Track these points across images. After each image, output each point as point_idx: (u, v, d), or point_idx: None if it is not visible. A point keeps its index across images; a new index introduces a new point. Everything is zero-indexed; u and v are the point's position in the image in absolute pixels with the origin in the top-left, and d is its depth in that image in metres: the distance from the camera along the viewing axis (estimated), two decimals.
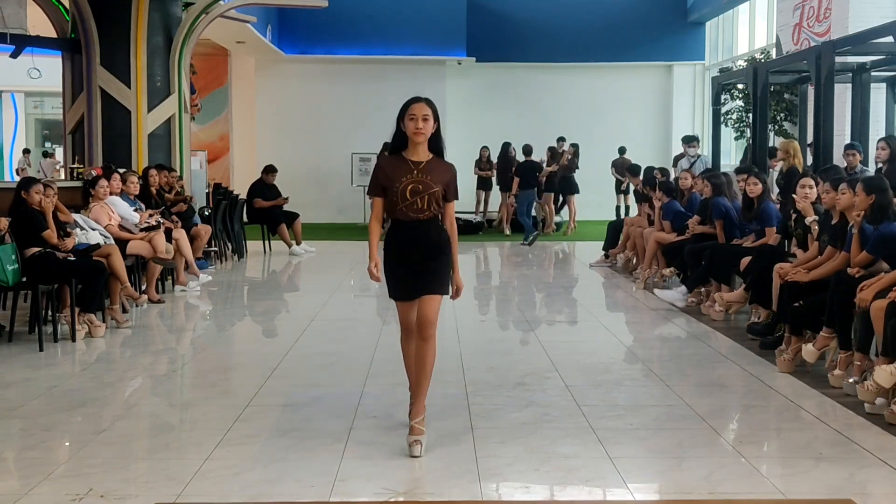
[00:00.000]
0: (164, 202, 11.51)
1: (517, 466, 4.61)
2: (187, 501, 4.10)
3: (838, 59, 10.39)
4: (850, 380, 5.89)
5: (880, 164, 9.04)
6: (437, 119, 4.91)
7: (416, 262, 4.90)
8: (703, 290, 9.29)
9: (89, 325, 7.80)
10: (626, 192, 20.11)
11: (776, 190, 10.83)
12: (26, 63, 15.04)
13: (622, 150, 19.89)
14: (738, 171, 10.43)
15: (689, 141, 15.53)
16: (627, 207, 20.08)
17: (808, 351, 6.43)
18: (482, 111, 21.57)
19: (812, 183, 7.75)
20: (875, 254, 6.30)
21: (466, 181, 17.67)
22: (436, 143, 4.94)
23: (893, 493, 4.31)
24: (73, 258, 7.95)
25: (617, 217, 19.84)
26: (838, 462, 4.67)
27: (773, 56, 15.85)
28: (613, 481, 4.44)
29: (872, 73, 11.14)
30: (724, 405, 5.89)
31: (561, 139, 19.25)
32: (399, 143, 4.95)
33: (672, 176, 12.78)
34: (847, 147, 9.83)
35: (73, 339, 7.64)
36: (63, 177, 14.74)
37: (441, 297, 4.96)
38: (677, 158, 16.48)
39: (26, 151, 24.07)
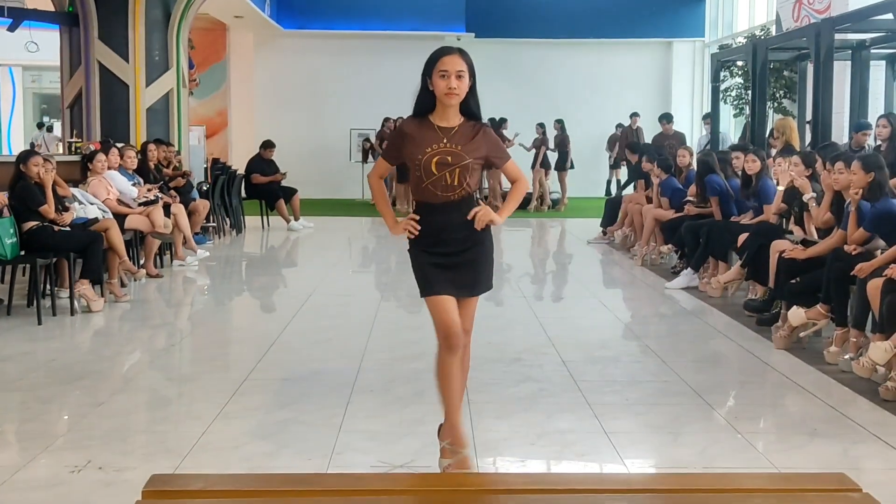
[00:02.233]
0: (163, 177, 11.50)
1: (513, 441, 4.64)
2: (185, 473, 4.12)
3: (838, 36, 10.37)
4: (846, 356, 5.92)
5: (880, 142, 9.02)
6: (472, 75, 3.96)
7: (452, 254, 4.00)
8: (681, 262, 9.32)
9: (87, 300, 7.79)
10: (616, 167, 20.28)
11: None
12: (24, 36, 14.97)
13: (619, 126, 20.08)
14: (733, 148, 10.43)
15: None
16: (619, 182, 20.21)
17: (796, 314, 6.43)
18: (481, 87, 20.93)
19: (785, 159, 7.81)
20: (872, 231, 6.31)
21: None
22: (467, 105, 3.99)
23: (887, 467, 4.34)
24: (68, 229, 7.93)
25: (608, 193, 19.99)
26: (833, 437, 4.70)
27: (773, 33, 15.79)
28: (609, 456, 4.47)
29: (872, 51, 11.11)
30: (720, 381, 5.92)
31: (634, 115, 19.28)
32: (424, 104, 4.00)
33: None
34: (859, 126, 9.76)
35: (72, 313, 7.66)
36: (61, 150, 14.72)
37: (477, 299, 4.13)
38: (656, 138, 16.45)
39: (40, 126, 23.87)
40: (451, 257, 4.01)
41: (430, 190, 3.95)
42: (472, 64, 3.96)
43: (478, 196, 4.14)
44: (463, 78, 3.90)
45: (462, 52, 3.96)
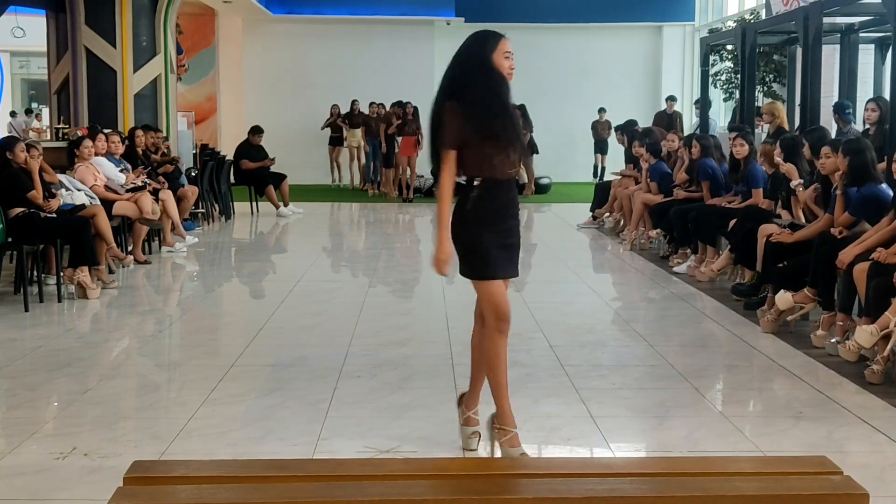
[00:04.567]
0: (151, 163, 11.45)
1: None
2: (169, 459, 4.12)
3: (827, 19, 10.36)
4: (833, 340, 5.94)
5: (868, 126, 9.02)
6: None
7: (512, 232, 4.10)
8: (688, 251, 9.32)
9: (85, 287, 7.73)
10: (603, 153, 20.32)
11: None
12: (10, 22, 14.90)
13: (601, 111, 20.17)
14: (731, 128, 10.42)
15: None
16: (604, 168, 20.25)
17: (783, 298, 6.44)
18: None
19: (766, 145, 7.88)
20: (857, 215, 6.33)
21: None
22: None
23: (870, 450, 4.36)
24: (55, 216, 7.90)
25: (596, 177, 20.01)
26: (818, 421, 4.72)
27: (763, 17, 15.78)
28: (595, 440, 4.48)
29: (861, 34, 11.11)
30: (707, 365, 5.93)
31: (671, 98, 18.70)
32: (492, 84, 4.05)
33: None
34: (839, 108, 9.75)
35: (59, 300, 7.63)
36: (47, 137, 14.67)
37: None
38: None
39: (28, 112, 23.70)
40: (511, 236, 4.09)
41: (499, 167, 4.01)
42: None
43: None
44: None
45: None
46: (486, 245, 4.02)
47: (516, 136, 4.05)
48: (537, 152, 18.05)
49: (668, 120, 17.69)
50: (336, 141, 19.69)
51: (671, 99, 18.60)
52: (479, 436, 4.31)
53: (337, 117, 19.50)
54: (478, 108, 3.98)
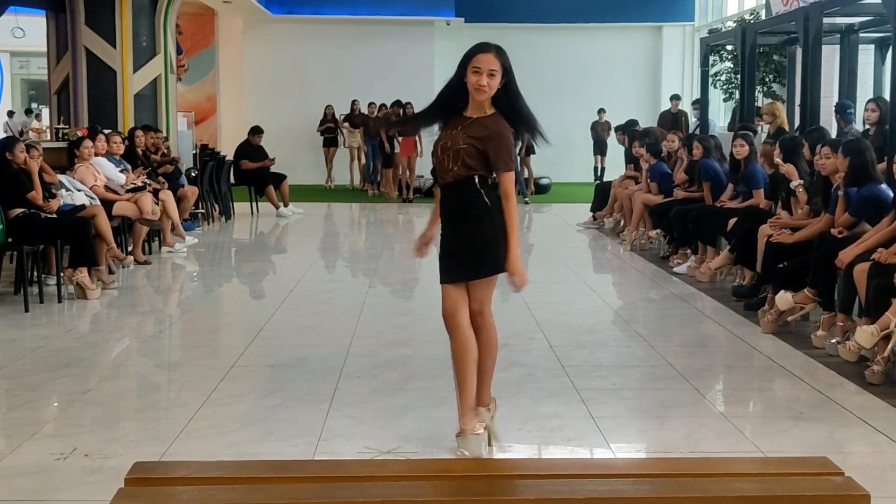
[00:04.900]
0: (151, 163, 11.44)
1: (500, 425, 4.63)
2: (170, 460, 4.12)
3: (827, 20, 10.36)
4: (833, 340, 5.94)
5: (868, 126, 9.02)
6: (507, 73, 4.04)
7: (453, 237, 4.17)
8: (688, 251, 9.32)
9: (84, 288, 7.74)
10: (603, 154, 20.28)
11: None
12: (10, 22, 14.88)
13: (601, 111, 20.15)
14: (738, 128, 10.41)
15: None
16: (604, 169, 20.21)
17: (783, 298, 6.44)
18: None
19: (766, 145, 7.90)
20: (857, 216, 6.33)
21: None
22: (499, 102, 4.09)
23: (871, 451, 4.36)
24: (55, 216, 7.90)
25: (595, 178, 19.95)
26: (818, 421, 4.72)
27: (763, 17, 15.78)
28: (596, 440, 4.48)
29: (861, 35, 11.11)
30: (707, 365, 5.93)
31: (675, 97, 18.25)
32: (450, 95, 4.14)
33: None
34: (842, 107, 9.76)
35: (59, 300, 7.63)
36: (47, 137, 14.65)
37: (484, 282, 4.20)
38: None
39: (28, 112, 23.69)
40: (453, 241, 4.18)
41: (437, 173, 4.20)
42: (507, 63, 4.04)
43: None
44: (495, 76, 4.01)
45: (498, 52, 4.05)
46: (440, 249, 4.26)
47: (454, 144, 4.05)
48: (534, 152, 17.98)
49: (672, 119, 17.51)
50: (330, 142, 19.68)
51: (675, 98, 18.42)
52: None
53: (331, 119, 19.49)
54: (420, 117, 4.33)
